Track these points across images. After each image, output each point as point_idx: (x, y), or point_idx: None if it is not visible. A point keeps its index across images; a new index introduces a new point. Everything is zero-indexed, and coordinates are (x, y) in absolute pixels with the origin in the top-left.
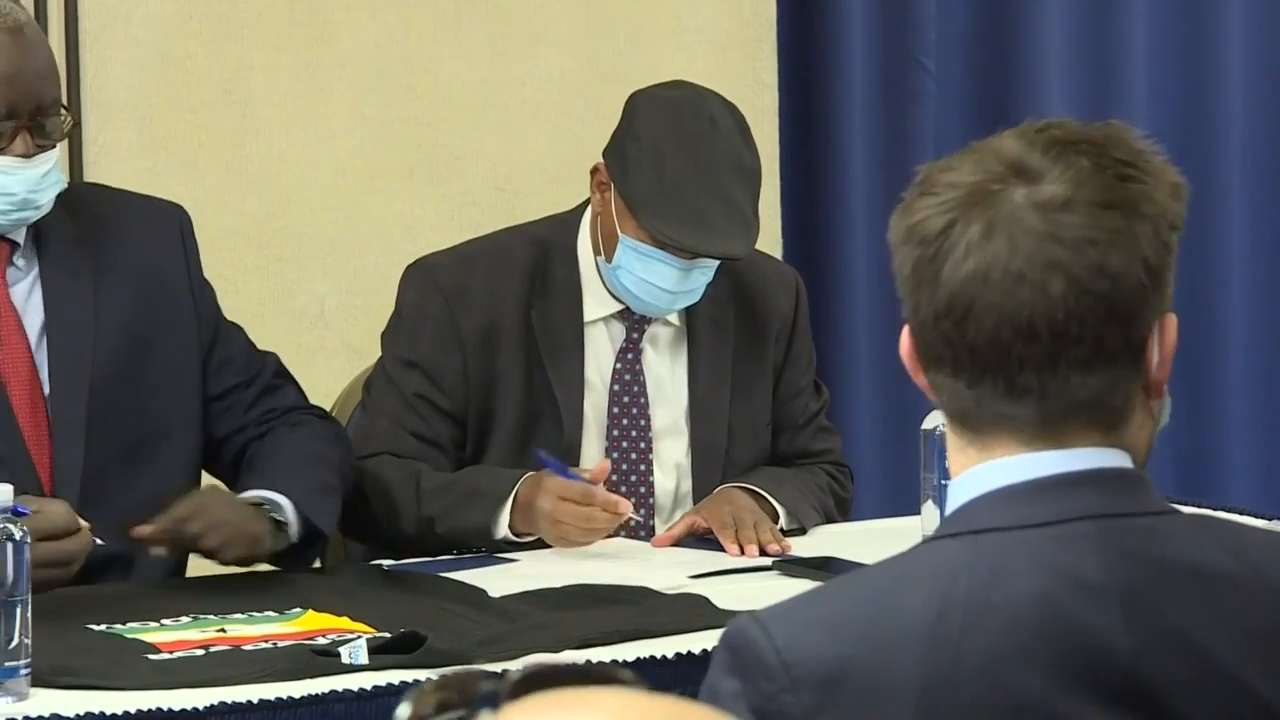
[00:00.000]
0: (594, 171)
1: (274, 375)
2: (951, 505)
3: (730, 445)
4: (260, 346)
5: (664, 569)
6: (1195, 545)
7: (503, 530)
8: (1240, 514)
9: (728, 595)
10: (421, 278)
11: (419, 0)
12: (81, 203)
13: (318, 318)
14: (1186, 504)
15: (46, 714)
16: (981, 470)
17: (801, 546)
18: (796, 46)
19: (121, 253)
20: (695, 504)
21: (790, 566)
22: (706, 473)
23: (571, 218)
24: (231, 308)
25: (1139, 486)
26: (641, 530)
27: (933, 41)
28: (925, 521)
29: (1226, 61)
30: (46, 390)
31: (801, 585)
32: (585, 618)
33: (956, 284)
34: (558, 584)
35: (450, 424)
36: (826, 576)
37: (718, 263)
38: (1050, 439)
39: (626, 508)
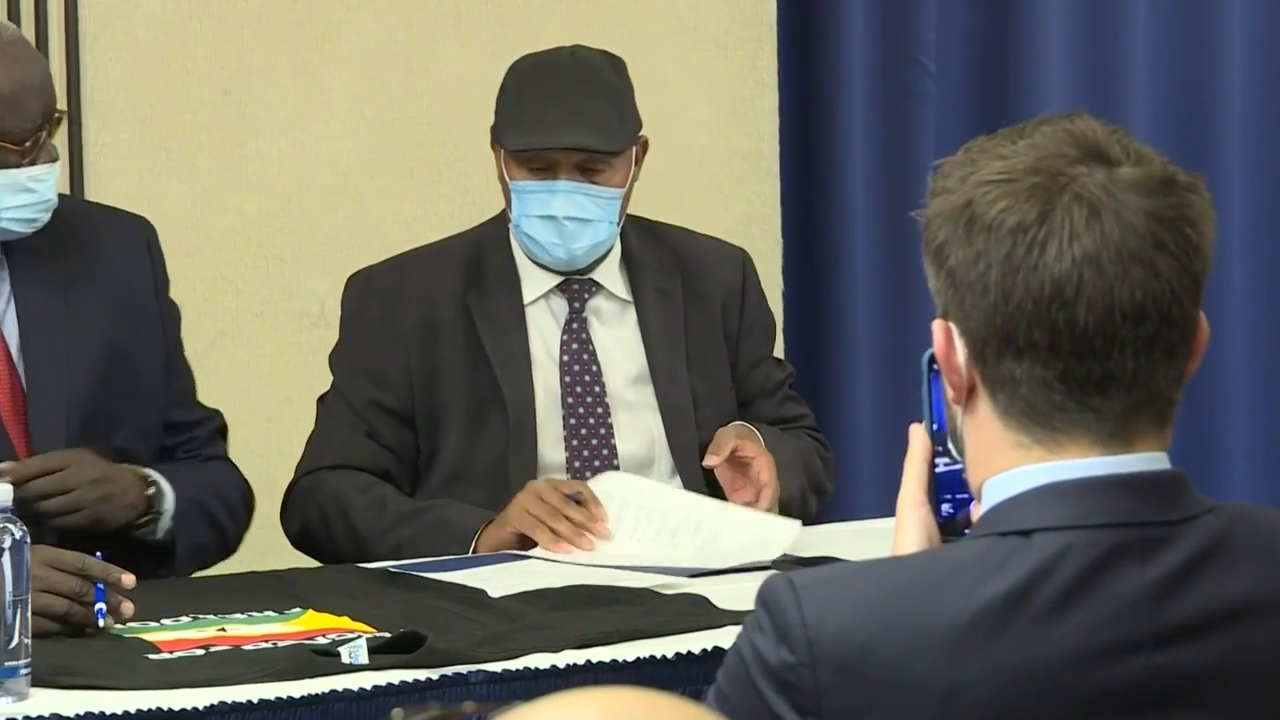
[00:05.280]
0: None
1: (214, 432)
2: (990, 501)
3: (695, 409)
4: (260, 347)
5: (664, 564)
6: (1236, 564)
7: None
8: None
9: (728, 595)
10: (360, 284)
11: (419, 0)
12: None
13: (318, 318)
14: None
15: (46, 714)
16: (1039, 469)
17: (802, 547)
18: (796, 46)
19: (93, 263)
20: (673, 464)
21: (790, 567)
22: (680, 432)
23: (506, 213)
24: (231, 307)
25: (1182, 488)
26: None
27: (933, 41)
28: None
29: (1226, 60)
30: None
31: None
32: (585, 618)
33: (1065, 267)
34: (558, 584)
35: (401, 427)
36: None
37: (608, 200)
38: (1121, 438)
39: (599, 532)
